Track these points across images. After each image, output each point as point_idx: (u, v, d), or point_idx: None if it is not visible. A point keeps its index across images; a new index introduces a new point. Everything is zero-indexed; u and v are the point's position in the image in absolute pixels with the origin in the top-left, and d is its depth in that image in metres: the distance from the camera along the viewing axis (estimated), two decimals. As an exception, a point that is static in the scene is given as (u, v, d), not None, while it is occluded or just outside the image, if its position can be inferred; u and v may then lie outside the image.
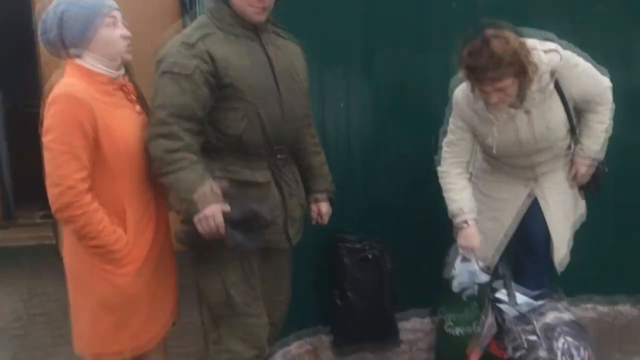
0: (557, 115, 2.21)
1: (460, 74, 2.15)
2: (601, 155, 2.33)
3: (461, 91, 2.27)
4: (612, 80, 2.30)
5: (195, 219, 1.77)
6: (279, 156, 1.98)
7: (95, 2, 1.76)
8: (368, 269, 2.76)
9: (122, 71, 1.84)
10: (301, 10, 2.54)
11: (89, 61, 1.76)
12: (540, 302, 2.14)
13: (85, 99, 1.68)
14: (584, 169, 2.32)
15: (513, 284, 2.20)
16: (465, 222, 2.27)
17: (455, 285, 2.25)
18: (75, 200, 1.65)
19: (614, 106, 2.30)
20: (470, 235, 2.26)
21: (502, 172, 2.40)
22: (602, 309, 3.12)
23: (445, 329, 2.71)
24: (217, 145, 1.89)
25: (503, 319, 2.05)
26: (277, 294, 2.17)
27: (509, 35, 2.03)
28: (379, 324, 2.81)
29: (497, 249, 2.41)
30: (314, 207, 2.22)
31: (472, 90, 2.14)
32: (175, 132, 1.78)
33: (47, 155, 1.68)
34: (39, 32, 1.80)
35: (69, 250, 1.83)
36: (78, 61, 1.77)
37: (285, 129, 1.95)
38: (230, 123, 1.86)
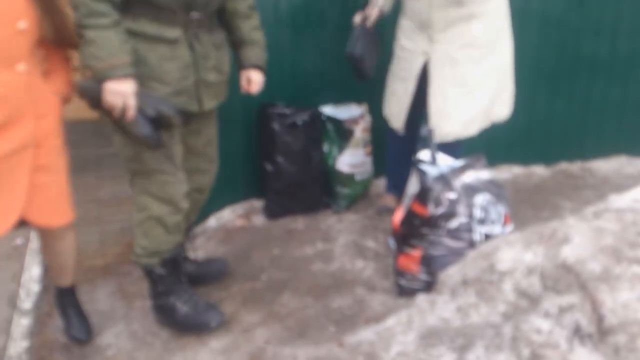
0: None
1: None
2: None
3: None
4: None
5: (106, 86, 1.75)
6: (193, 16, 1.91)
7: None
8: (297, 134, 2.78)
9: None
10: None
11: None
12: (460, 163, 2.22)
13: None
14: None
15: (434, 146, 2.26)
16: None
17: None
18: None
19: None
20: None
21: (412, 22, 2.42)
22: (517, 170, 3.32)
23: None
24: (127, 1, 1.83)
25: (424, 179, 2.12)
26: (202, 161, 2.18)
27: None
28: (308, 189, 2.90)
29: (403, 107, 2.50)
30: (243, 75, 2.18)
31: None
32: None
33: None
34: None
35: None
36: None
37: None
38: None
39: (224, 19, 2.12)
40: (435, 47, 2.37)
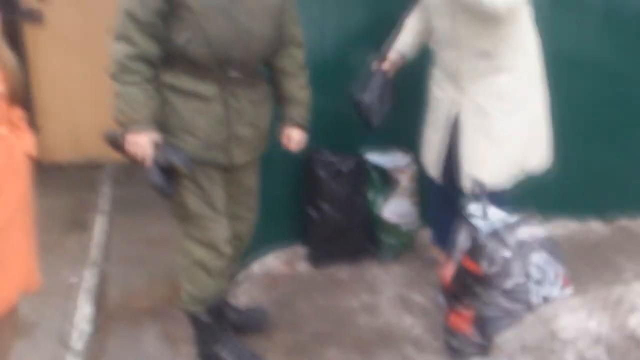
0: None
1: None
2: None
3: None
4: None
5: (127, 137, 1.90)
6: (230, 73, 1.97)
7: None
8: (342, 182, 2.77)
9: None
10: None
11: None
12: (513, 218, 2.14)
13: None
14: None
15: (485, 199, 2.20)
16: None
17: None
18: None
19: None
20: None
21: (442, 72, 2.41)
22: (574, 226, 3.19)
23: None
24: (167, 53, 1.93)
25: (477, 235, 2.05)
26: (242, 210, 2.22)
27: None
28: (353, 236, 2.85)
29: (439, 156, 2.46)
30: (284, 131, 2.22)
31: None
32: (132, 36, 1.86)
33: None
34: None
35: None
36: None
37: (238, 48, 1.94)
38: (176, 32, 1.90)
39: (270, 74, 2.16)
40: (465, 98, 2.35)
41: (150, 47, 1.88)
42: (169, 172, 1.93)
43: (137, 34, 1.86)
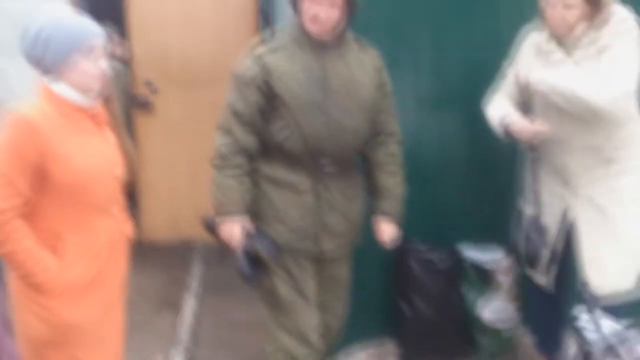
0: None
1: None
2: None
3: (529, 38, 2.27)
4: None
5: (221, 223, 2.01)
6: (324, 167, 2.02)
7: (77, 30, 1.67)
8: (436, 275, 2.68)
9: (95, 101, 1.76)
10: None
11: (60, 88, 1.68)
12: (629, 332, 1.95)
13: (41, 126, 1.61)
14: None
15: (598, 310, 2.03)
16: (509, 116, 2.25)
17: None
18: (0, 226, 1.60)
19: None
20: (519, 122, 2.21)
21: (550, 177, 2.29)
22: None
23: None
24: (265, 145, 2.03)
25: (589, 350, 1.88)
26: (331, 301, 2.21)
27: None
28: (446, 334, 2.72)
29: (550, 264, 2.32)
30: (375, 222, 2.22)
31: (542, 13, 2.13)
32: (234, 130, 1.98)
33: None
34: (23, 46, 1.68)
35: (12, 283, 1.74)
36: (50, 84, 1.69)
37: (331, 142, 1.99)
38: (275, 130, 1.99)
39: (364, 165, 2.19)
40: (580, 201, 2.22)
41: (249, 141, 1.99)
42: (256, 260, 2.00)
43: (238, 128, 1.98)
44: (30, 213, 1.65)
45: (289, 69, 1.96)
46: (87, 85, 1.71)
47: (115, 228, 1.84)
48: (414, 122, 2.64)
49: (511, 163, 2.52)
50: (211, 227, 2.10)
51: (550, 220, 2.32)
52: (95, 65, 1.70)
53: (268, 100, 1.97)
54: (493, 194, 2.72)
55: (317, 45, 1.98)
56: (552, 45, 2.16)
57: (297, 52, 1.98)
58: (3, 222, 1.60)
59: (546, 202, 2.34)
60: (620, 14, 2.08)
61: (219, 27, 4.09)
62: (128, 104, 4.10)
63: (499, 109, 2.31)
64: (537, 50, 2.23)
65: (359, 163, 2.20)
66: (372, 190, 2.20)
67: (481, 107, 2.44)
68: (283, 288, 2.04)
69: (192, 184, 4.17)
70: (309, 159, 1.99)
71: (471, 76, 2.66)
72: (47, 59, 1.65)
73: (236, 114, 1.98)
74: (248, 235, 2.01)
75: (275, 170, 2.02)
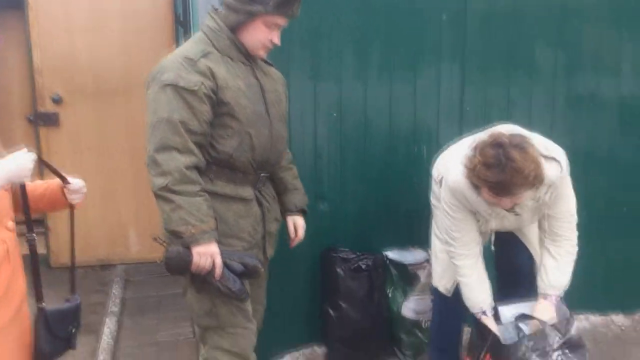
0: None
1: (463, 173, 1.93)
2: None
3: (460, 185, 2.03)
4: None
5: (195, 250, 1.82)
6: (262, 175, 2.06)
7: None
8: (361, 279, 2.73)
9: None
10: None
11: None
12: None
13: None
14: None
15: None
16: (484, 312, 2.15)
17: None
18: None
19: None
20: (490, 325, 2.13)
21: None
22: (595, 319, 3.14)
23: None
24: (207, 159, 1.93)
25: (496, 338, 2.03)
26: (255, 302, 2.18)
27: (527, 143, 1.84)
28: (373, 336, 2.78)
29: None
30: (290, 221, 2.25)
31: (478, 194, 1.96)
32: (188, 145, 1.83)
33: None
34: None
35: None
36: None
37: (273, 150, 2.04)
38: (222, 140, 1.92)
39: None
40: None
41: (201, 157, 1.87)
42: (239, 274, 1.91)
43: (192, 145, 1.83)
44: None
45: (232, 79, 1.92)
46: None
47: (11, 241, 1.70)
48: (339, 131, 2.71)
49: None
50: (182, 259, 1.83)
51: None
52: None
53: (215, 109, 1.88)
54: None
55: (243, 54, 1.98)
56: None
57: (225, 58, 1.94)
58: None
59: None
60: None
61: (130, 35, 3.91)
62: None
63: (474, 290, 2.19)
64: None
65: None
66: (279, 191, 2.22)
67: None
68: (224, 308, 1.96)
69: (105, 202, 3.96)
70: (252, 167, 1.99)
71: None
72: None
73: (189, 131, 1.82)
74: (223, 253, 1.88)
75: (221, 187, 1.95)
